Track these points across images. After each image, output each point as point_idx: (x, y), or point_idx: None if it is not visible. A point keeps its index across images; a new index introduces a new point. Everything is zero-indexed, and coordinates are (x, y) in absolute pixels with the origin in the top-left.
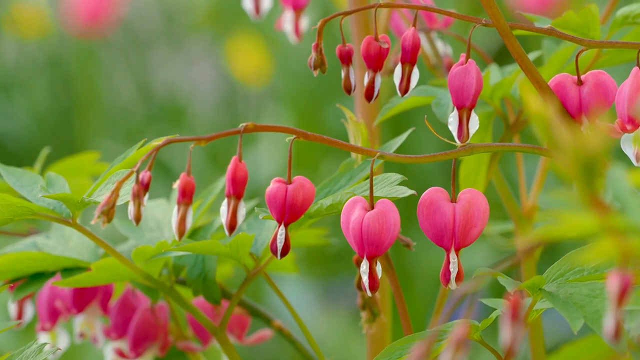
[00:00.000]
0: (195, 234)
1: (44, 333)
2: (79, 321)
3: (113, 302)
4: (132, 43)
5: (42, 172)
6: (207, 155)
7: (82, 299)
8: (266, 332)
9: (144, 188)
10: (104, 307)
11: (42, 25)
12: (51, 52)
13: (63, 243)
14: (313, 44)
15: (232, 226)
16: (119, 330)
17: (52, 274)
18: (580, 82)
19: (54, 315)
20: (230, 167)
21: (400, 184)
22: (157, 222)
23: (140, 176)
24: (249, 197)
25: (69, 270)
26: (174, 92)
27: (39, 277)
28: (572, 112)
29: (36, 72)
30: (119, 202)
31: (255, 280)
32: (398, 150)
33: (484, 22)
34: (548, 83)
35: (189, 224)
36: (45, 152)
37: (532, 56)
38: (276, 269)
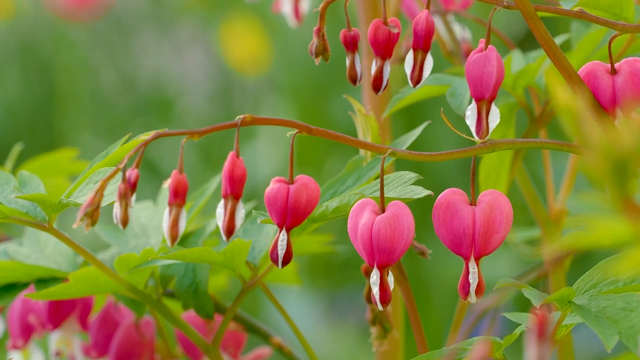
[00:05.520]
0: (185, 240)
1: (15, 351)
2: (55, 338)
3: (93, 316)
4: (115, 27)
5: (15, 170)
6: (199, 152)
7: (58, 313)
8: (264, 350)
9: (131, 187)
10: (83, 323)
11: (14, 5)
12: (25, 36)
13: (38, 250)
14: (315, 29)
15: (229, 230)
16: (99, 348)
17: (25, 285)
18: (614, 71)
19: (27, 332)
20: (227, 164)
21: (415, 184)
22: (143, 227)
23: (127, 174)
24: (245, 199)
25: (44, 281)
26: (161, 81)
27: (10, 288)
28: (605, 105)
29: (8, 59)
30: (103, 203)
31: (252, 293)
32: (412, 146)
33: (505, 3)
34: (578, 72)
35: (183, 227)
36: (18, 148)
37: (559, 40)
38: (276, 280)
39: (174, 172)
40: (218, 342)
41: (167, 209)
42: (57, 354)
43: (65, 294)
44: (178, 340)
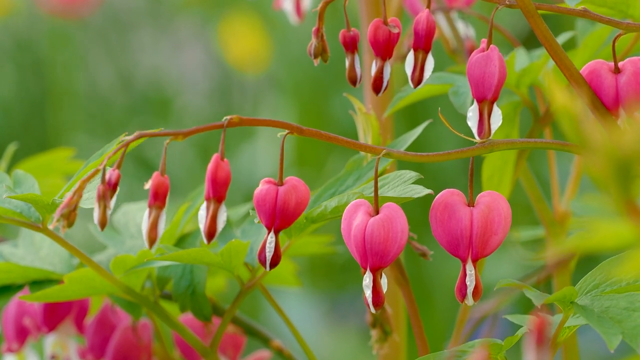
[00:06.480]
0: (182, 241)
1: (10, 355)
2: (51, 341)
3: (89, 319)
4: (112, 24)
5: (9, 170)
6: (197, 151)
7: (53, 316)
8: (264, 354)
9: (111, 188)
10: (79, 326)
11: (9, 2)
12: (20, 33)
13: (33, 252)
14: (313, 29)
15: (211, 233)
16: (96, 351)
17: (20, 287)
18: (617, 70)
19: (22, 335)
20: (210, 166)
21: (415, 183)
22: (139, 228)
23: (108, 175)
24: (244, 199)
25: (39, 282)
26: (159, 80)
27: (5, 290)
28: (607, 104)
29: (2, 57)
30: (86, 206)
31: (251, 295)
32: (414, 146)
33: (507, 2)
34: (580, 71)
35: (162, 230)
36: (12, 147)
37: (564, 37)
38: (275, 282)
39: (156, 173)
40: (216, 345)
41: (146, 211)
42: (53, 357)
43: (60, 295)
44: (176, 343)
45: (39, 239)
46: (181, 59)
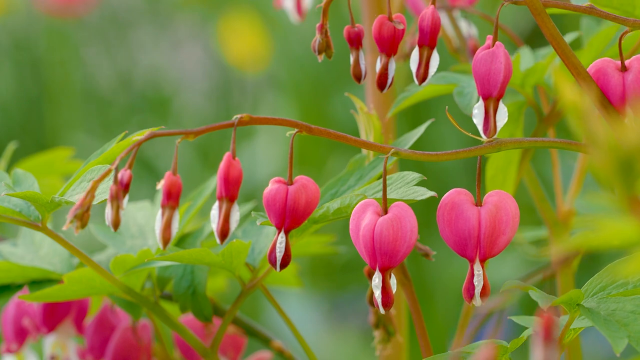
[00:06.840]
0: (183, 241)
1: (9, 355)
2: (50, 342)
3: (89, 320)
4: (110, 22)
5: (8, 170)
6: (197, 151)
7: (53, 316)
8: (264, 355)
9: (123, 188)
10: (79, 326)
11: (7, 1)
12: (17, 32)
13: (32, 251)
14: (317, 25)
15: (224, 233)
16: (95, 352)
17: (19, 287)
18: (624, 68)
19: (21, 335)
20: (222, 165)
21: (418, 184)
22: (140, 228)
23: (120, 175)
24: (244, 199)
25: (39, 282)
26: (158, 79)
27: (4, 290)
28: (614, 102)
29: (0, 56)
30: (94, 202)
31: (252, 295)
32: (416, 146)
33: None
34: (587, 69)
35: (175, 230)
36: (11, 147)
37: (569, 38)
38: (276, 282)
39: (168, 173)
40: (217, 345)
41: (159, 211)
42: (52, 357)
43: (59, 295)
44: (176, 344)
45: (39, 238)
46: (180, 57)
